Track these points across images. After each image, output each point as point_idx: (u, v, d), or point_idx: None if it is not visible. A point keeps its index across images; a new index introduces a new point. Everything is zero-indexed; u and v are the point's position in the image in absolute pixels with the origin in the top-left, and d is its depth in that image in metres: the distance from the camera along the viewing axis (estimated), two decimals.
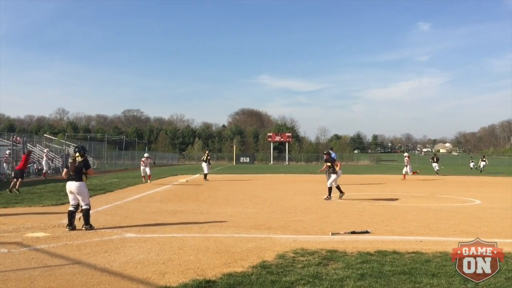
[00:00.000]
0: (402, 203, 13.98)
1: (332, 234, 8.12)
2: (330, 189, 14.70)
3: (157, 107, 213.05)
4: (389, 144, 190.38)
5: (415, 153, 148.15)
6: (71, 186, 8.60)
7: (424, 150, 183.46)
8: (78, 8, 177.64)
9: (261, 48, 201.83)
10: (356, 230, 8.39)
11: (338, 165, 14.92)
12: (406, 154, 31.70)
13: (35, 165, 29.51)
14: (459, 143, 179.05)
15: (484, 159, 44.02)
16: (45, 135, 54.20)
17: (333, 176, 14.67)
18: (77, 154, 8.78)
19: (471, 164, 49.48)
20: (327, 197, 14.57)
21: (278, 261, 6.01)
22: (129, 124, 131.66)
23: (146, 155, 23.90)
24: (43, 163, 28.26)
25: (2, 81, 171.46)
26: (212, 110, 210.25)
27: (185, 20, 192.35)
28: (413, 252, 6.57)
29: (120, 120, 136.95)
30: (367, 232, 8.35)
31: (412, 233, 8.41)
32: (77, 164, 8.65)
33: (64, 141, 41.00)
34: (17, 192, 16.15)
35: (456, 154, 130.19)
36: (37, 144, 35.21)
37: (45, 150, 30.69)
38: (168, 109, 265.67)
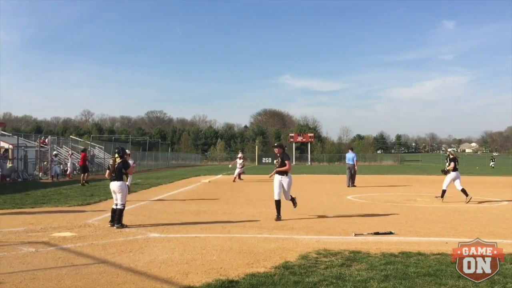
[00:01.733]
0: (427, 203, 13.77)
1: (355, 235, 8.05)
2: (278, 203, 10.17)
3: (180, 108, 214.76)
4: (413, 144, 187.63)
5: (439, 153, 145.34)
6: (113, 185, 9.08)
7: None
8: (102, 11, 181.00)
9: (282, 49, 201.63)
10: (380, 231, 8.30)
11: (288, 165, 10.18)
12: (240, 155, 26.04)
13: (61, 165, 30.09)
14: (486, 143, 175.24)
15: None
16: (71, 136, 55.22)
17: (286, 181, 10.25)
18: (116, 155, 9.25)
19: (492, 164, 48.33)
20: (277, 217, 10.02)
21: (301, 262, 5.99)
22: (153, 125, 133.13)
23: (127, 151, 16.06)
24: (68, 164, 28.89)
25: (30, 83, 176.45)
26: (234, 111, 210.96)
27: (207, 21, 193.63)
28: (438, 254, 6.46)
29: (143, 121, 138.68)
30: (391, 233, 8.24)
31: (437, 234, 8.27)
32: (116, 165, 9.11)
33: (89, 142, 41.72)
34: (86, 184, 19.93)
35: (496, 154, 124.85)
36: (64, 146, 35.87)
37: (69, 152, 31.33)
38: (191, 110, 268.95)
